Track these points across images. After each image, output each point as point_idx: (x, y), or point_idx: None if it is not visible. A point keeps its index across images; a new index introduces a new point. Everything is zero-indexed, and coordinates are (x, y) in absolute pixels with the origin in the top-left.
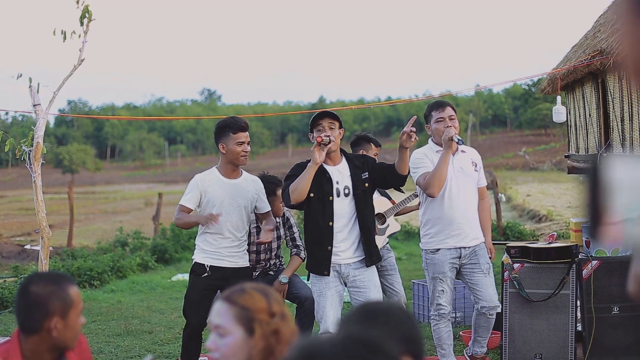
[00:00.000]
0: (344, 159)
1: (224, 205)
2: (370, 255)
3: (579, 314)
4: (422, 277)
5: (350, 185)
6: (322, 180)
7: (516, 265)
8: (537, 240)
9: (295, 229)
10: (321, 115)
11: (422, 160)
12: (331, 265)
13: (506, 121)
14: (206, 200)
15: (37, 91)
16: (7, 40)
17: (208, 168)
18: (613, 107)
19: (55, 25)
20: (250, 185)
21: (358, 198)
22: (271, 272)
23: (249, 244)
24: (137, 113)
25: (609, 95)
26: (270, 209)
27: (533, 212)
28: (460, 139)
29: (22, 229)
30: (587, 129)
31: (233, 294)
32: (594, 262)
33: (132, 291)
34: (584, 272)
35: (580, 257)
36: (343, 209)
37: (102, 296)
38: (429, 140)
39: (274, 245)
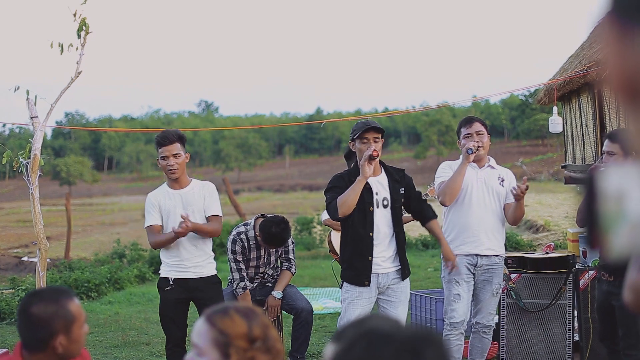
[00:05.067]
0: (383, 171)
1: (178, 216)
2: (404, 269)
3: (576, 324)
4: (420, 288)
5: (388, 197)
6: (363, 191)
7: (513, 276)
8: (535, 250)
9: (290, 241)
10: (368, 129)
11: (444, 170)
12: (371, 274)
13: (503, 132)
14: (163, 214)
15: (35, 103)
16: (4, 53)
17: (205, 179)
18: (609, 117)
19: (53, 38)
20: (199, 192)
21: (395, 211)
22: (269, 284)
23: (249, 260)
24: (135, 125)
25: (605, 105)
26: (218, 214)
27: (530, 222)
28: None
29: (19, 241)
30: (583, 140)
31: (215, 314)
32: (591, 272)
33: (129, 303)
34: (581, 282)
35: (577, 267)
36: (382, 219)
37: (100, 308)
38: (460, 156)
39: (273, 258)
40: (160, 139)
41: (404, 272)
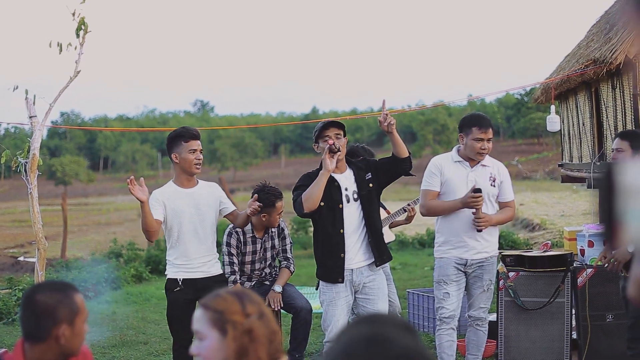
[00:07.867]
0: (348, 166)
1: (186, 215)
2: (381, 255)
3: (574, 322)
4: (417, 286)
5: (356, 188)
6: (331, 189)
7: (511, 274)
8: (531, 249)
9: (288, 240)
10: (326, 126)
11: (430, 175)
12: (345, 271)
13: (499, 130)
14: (169, 213)
15: (34, 103)
16: (1, 52)
17: (201, 179)
18: (606, 116)
19: (51, 37)
20: (208, 192)
21: (363, 199)
22: (267, 282)
23: (244, 254)
24: (130, 124)
25: (602, 104)
26: (235, 208)
27: (526, 221)
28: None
29: (15, 241)
30: (580, 138)
31: (208, 299)
32: (589, 270)
33: (126, 302)
34: (579, 280)
35: (575, 265)
36: (352, 214)
37: (97, 307)
38: (455, 149)
39: (268, 255)
40: (195, 132)
41: (382, 259)
